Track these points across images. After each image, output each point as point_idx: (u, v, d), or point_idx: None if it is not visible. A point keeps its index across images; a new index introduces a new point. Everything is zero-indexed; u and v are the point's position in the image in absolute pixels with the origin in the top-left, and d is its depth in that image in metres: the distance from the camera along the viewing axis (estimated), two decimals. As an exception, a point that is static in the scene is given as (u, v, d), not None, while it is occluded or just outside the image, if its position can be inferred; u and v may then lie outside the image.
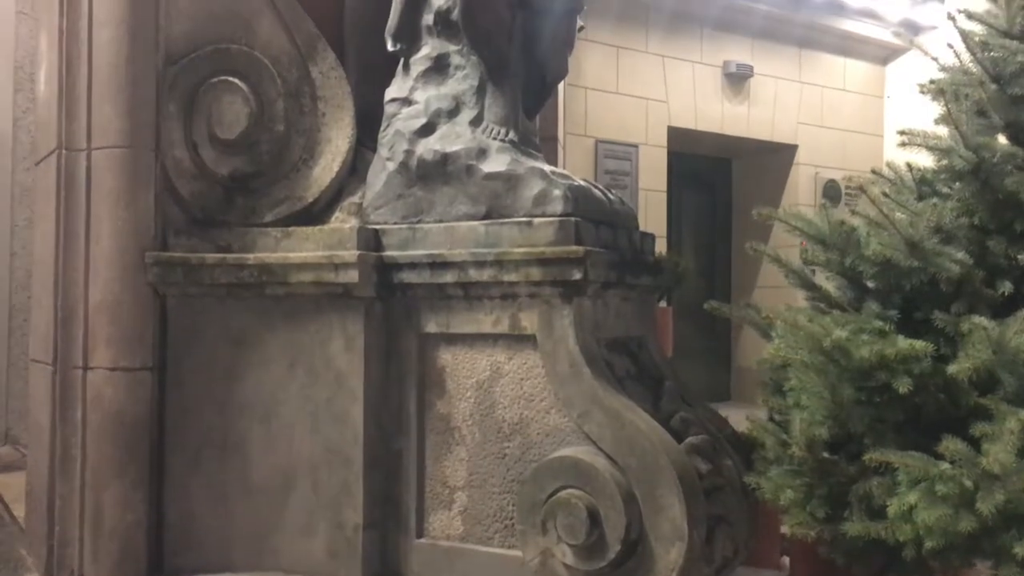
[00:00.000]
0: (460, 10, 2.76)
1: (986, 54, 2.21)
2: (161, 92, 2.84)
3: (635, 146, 7.16)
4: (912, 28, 8.03)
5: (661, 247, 7.06)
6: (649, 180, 7.22)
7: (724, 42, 7.47)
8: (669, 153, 7.35)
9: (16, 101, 4.69)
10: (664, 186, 7.33)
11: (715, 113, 7.52)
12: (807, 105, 7.92)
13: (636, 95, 7.15)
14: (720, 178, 8.39)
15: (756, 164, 8.13)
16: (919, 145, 2.27)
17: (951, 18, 2.19)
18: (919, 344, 2.00)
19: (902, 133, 2.33)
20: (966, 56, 2.34)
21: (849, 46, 8.04)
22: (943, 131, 2.32)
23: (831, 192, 7.95)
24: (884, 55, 8.19)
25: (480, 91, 2.87)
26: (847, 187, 7.87)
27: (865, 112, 8.22)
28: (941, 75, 2.31)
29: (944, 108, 2.15)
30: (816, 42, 7.88)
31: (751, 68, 7.56)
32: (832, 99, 8.06)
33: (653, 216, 7.17)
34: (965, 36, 2.20)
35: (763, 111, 7.71)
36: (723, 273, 8.27)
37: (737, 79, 7.55)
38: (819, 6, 7.61)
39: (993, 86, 2.18)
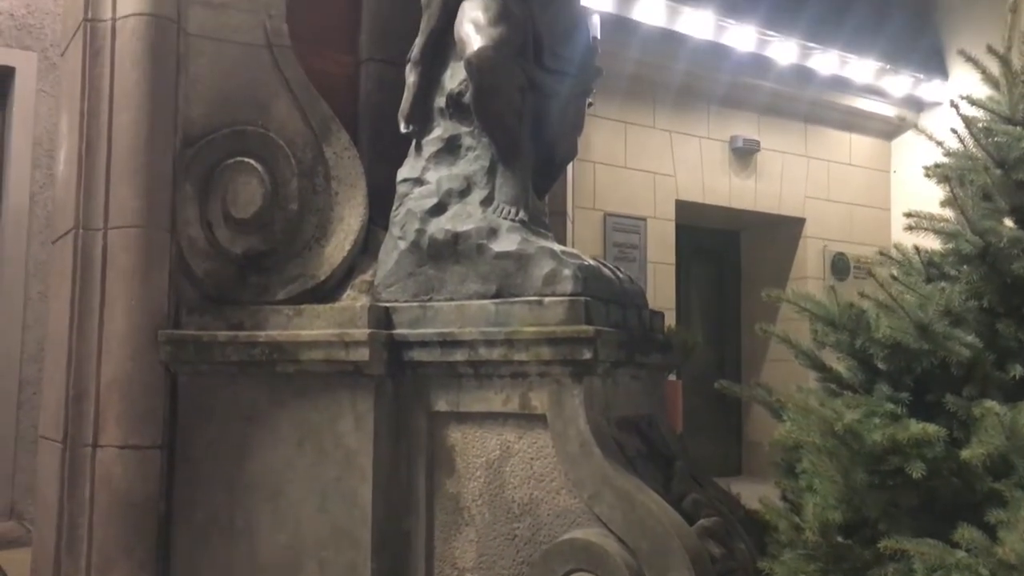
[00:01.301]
0: (472, 94, 2.82)
1: (990, 140, 2.24)
2: (178, 173, 2.90)
3: (643, 219, 7.22)
4: (916, 104, 8.16)
5: (670, 319, 7.03)
6: (658, 253, 7.27)
7: (731, 118, 7.59)
8: (677, 226, 7.41)
9: (34, 177, 4.77)
10: (673, 259, 7.37)
11: (723, 187, 7.59)
12: (814, 179, 7.99)
13: (644, 169, 7.24)
14: (728, 251, 8.43)
15: (764, 237, 8.18)
16: (926, 228, 2.29)
17: (954, 105, 2.23)
18: (932, 428, 1.99)
19: (908, 215, 2.35)
20: (970, 139, 2.37)
21: (854, 122, 8.15)
22: (949, 212, 2.35)
23: (839, 266, 7.98)
24: (889, 130, 8.30)
25: (491, 172, 2.91)
26: (856, 262, 7.91)
27: (872, 186, 8.29)
28: (945, 158, 2.34)
29: (949, 192, 2.17)
30: (822, 118, 8.00)
31: (758, 143, 7.66)
32: (839, 173, 8.14)
33: (662, 289, 7.20)
34: (968, 122, 2.24)
35: (770, 185, 7.79)
36: (732, 346, 8.25)
37: (744, 154, 7.64)
38: (824, 82, 7.73)
39: (998, 171, 2.20)
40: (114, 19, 2.84)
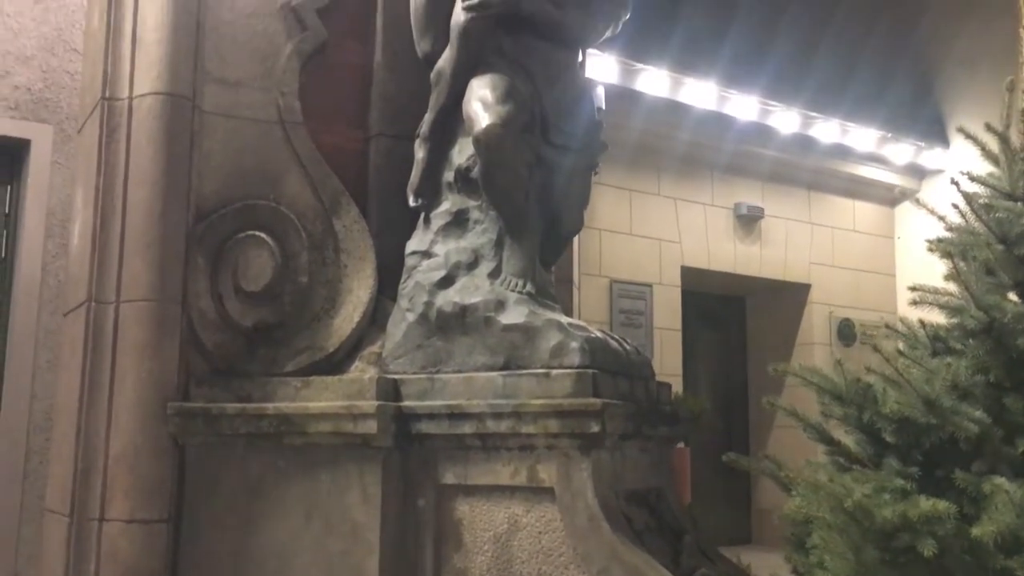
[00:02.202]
0: (480, 169, 2.87)
1: (991, 215, 2.28)
2: (190, 247, 2.94)
3: (649, 286, 7.25)
4: (918, 172, 8.25)
5: (677, 386, 7.05)
6: (664, 319, 7.28)
7: (735, 185, 7.66)
8: (683, 292, 7.43)
9: (46, 247, 4.81)
10: (679, 325, 7.38)
11: (727, 253, 7.64)
12: (818, 245, 8.04)
13: (649, 236, 7.30)
14: (734, 317, 8.44)
15: (770, 303, 8.20)
16: (930, 303, 2.31)
17: (954, 182, 2.27)
18: (942, 505, 1.98)
19: (913, 289, 2.37)
20: (971, 214, 2.40)
21: (857, 189, 8.23)
22: (953, 286, 2.37)
23: (845, 331, 7.99)
24: (892, 197, 8.37)
25: (498, 245, 2.94)
26: (862, 328, 7.91)
27: (876, 253, 8.33)
28: (948, 233, 2.37)
29: (952, 268, 2.20)
30: (825, 185, 8.08)
31: (762, 210, 7.73)
32: (843, 240, 8.19)
33: (668, 355, 7.21)
34: (969, 198, 2.27)
35: (775, 251, 7.83)
36: (740, 411, 8.22)
37: (748, 220, 7.70)
38: (826, 150, 7.83)
39: (1000, 247, 2.23)
40: (131, 98, 2.91)
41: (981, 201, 2.31)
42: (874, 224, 8.39)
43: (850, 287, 8.12)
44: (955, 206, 2.34)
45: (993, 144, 2.35)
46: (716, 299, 8.19)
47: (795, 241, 7.94)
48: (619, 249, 7.09)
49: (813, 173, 7.94)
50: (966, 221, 2.35)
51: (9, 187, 4.78)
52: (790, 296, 8.03)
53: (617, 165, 6.84)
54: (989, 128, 2.28)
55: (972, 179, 2.31)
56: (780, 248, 7.86)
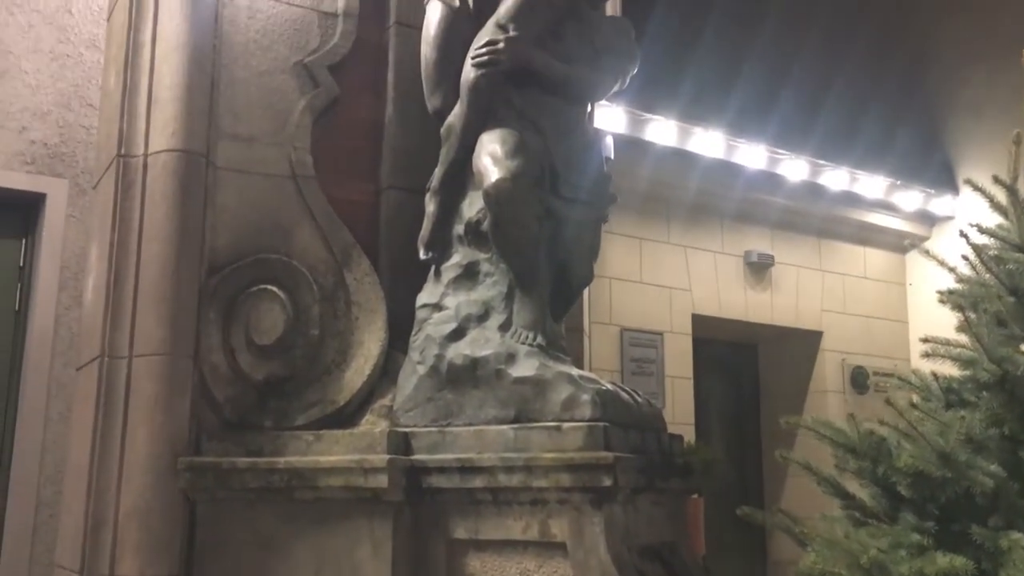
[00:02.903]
0: (490, 222, 2.89)
1: (1002, 267, 2.28)
2: (202, 301, 2.96)
3: (660, 334, 7.23)
4: (928, 219, 8.25)
5: (689, 434, 6.98)
6: (675, 367, 7.25)
7: (744, 232, 7.67)
8: (694, 340, 7.40)
9: (59, 299, 4.85)
10: (690, 373, 7.34)
11: (738, 301, 7.62)
12: (830, 293, 8.02)
13: (660, 284, 7.29)
14: (746, 364, 8.40)
15: (782, 350, 8.16)
16: (942, 355, 2.30)
17: (963, 235, 2.28)
18: (959, 561, 1.96)
19: (925, 341, 2.37)
20: (981, 265, 2.40)
21: (868, 236, 8.22)
22: (965, 337, 2.36)
23: (859, 379, 7.93)
24: (903, 244, 8.36)
25: (509, 297, 2.95)
26: (875, 375, 7.87)
27: (888, 299, 8.30)
28: (959, 284, 2.37)
29: (964, 320, 2.19)
30: (835, 232, 8.08)
31: (772, 257, 7.72)
32: (854, 287, 8.17)
33: (680, 403, 7.16)
34: (979, 250, 2.27)
35: (786, 299, 7.82)
36: (753, 460, 8.14)
37: (759, 268, 7.70)
38: (836, 198, 7.84)
39: (1011, 299, 2.23)
40: (146, 155, 2.96)
41: (991, 253, 2.31)
42: (885, 271, 8.38)
43: (862, 334, 8.08)
44: (965, 257, 2.34)
45: (1001, 196, 2.36)
46: (728, 347, 8.16)
47: (806, 288, 7.92)
48: (630, 297, 7.09)
49: (823, 220, 7.94)
50: (976, 272, 2.35)
51: (24, 240, 4.84)
52: (802, 343, 8.00)
53: (627, 214, 6.87)
54: (997, 180, 2.29)
55: (981, 231, 2.31)
56: (791, 295, 7.85)
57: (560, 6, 3.08)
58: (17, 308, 4.72)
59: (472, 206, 3.01)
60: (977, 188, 2.32)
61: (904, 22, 8.20)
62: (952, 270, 2.39)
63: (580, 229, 3.08)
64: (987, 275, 2.32)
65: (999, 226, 2.35)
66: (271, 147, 3.16)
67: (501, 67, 2.91)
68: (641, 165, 6.81)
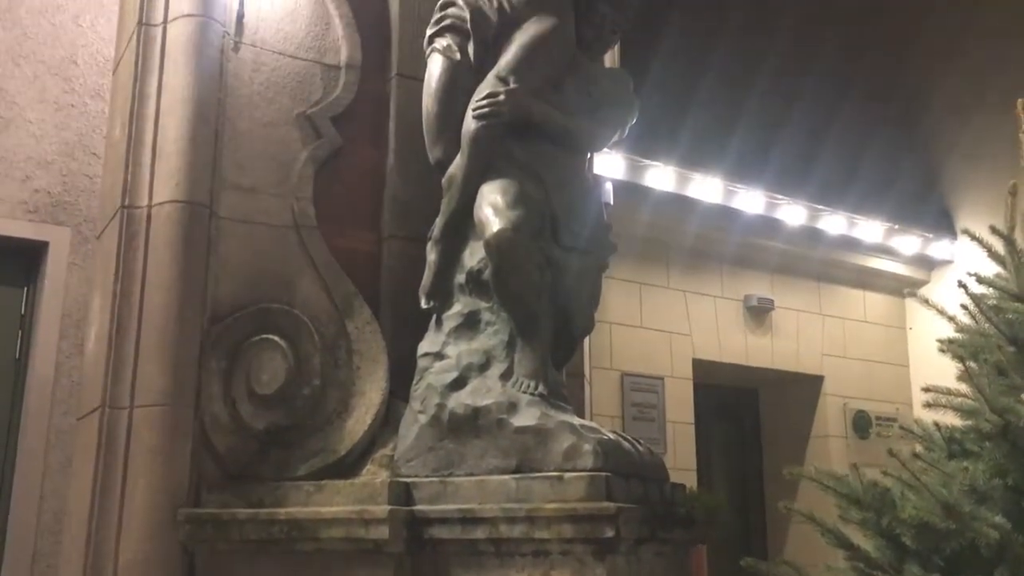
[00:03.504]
0: (491, 272, 2.90)
1: (1001, 317, 2.29)
2: (204, 350, 2.96)
3: (661, 379, 7.21)
4: (927, 263, 8.27)
5: (691, 480, 6.96)
6: (676, 412, 7.22)
7: (744, 277, 7.69)
8: (695, 385, 7.39)
9: (60, 347, 4.84)
10: (691, 418, 7.31)
11: (739, 345, 7.62)
12: (830, 337, 8.02)
13: (660, 329, 7.29)
14: (747, 409, 8.37)
15: (783, 395, 8.14)
16: (944, 406, 2.30)
17: (962, 285, 2.29)
18: (965, 614, 1.94)
19: (927, 390, 2.37)
20: (979, 312, 2.41)
21: (867, 280, 8.24)
22: (966, 386, 2.36)
23: (861, 423, 7.90)
24: (903, 287, 8.36)
25: (510, 346, 2.96)
26: (877, 419, 7.84)
27: (888, 343, 8.30)
28: (958, 334, 2.38)
29: (964, 370, 2.19)
30: (834, 276, 8.10)
31: (772, 301, 7.73)
32: (854, 331, 8.17)
33: (681, 449, 7.12)
34: (978, 300, 2.28)
35: (787, 343, 7.81)
36: (756, 505, 8.07)
37: (759, 312, 7.70)
38: (834, 242, 7.87)
39: (1011, 349, 2.24)
40: (150, 206, 2.98)
41: (990, 302, 2.32)
42: (885, 315, 8.38)
43: (863, 378, 8.07)
44: (964, 307, 2.35)
45: (999, 245, 2.37)
46: (729, 391, 8.13)
47: (806, 332, 7.92)
48: (630, 342, 7.08)
49: (822, 264, 7.97)
50: (976, 321, 2.36)
51: (26, 289, 4.85)
52: (803, 388, 7.98)
53: (626, 258, 6.89)
54: (994, 231, 2.31)
55: (980, 280, 2.33)
56: (792, 340, 7.84)
57: (560, 59, 3.13)
58: (17, 356, 4.71)
59: (473, 255, 3.03)
60: (975, 238, 2.34)
61: (900, 68, 8.29)
62: (951, 319, 2.39)
63: (581, 278, 3.10)
64: (987, 324, 2.32)
65: (997, 275, 2.37)
66: (274, 197, 3.19)
67: (502, 119, 2.95)
68: (640, 210, 6.85)
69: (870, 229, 7.96)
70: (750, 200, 7.35)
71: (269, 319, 3.09)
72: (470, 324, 3.03)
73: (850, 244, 7.96)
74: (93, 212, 4.85)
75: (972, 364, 2.23)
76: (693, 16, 6.99)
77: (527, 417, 2.80)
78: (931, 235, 8.17)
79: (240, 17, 3.21)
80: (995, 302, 2.32)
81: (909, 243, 8.13)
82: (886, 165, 7.94)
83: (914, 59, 8.23)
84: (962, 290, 2.30)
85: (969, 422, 2.29)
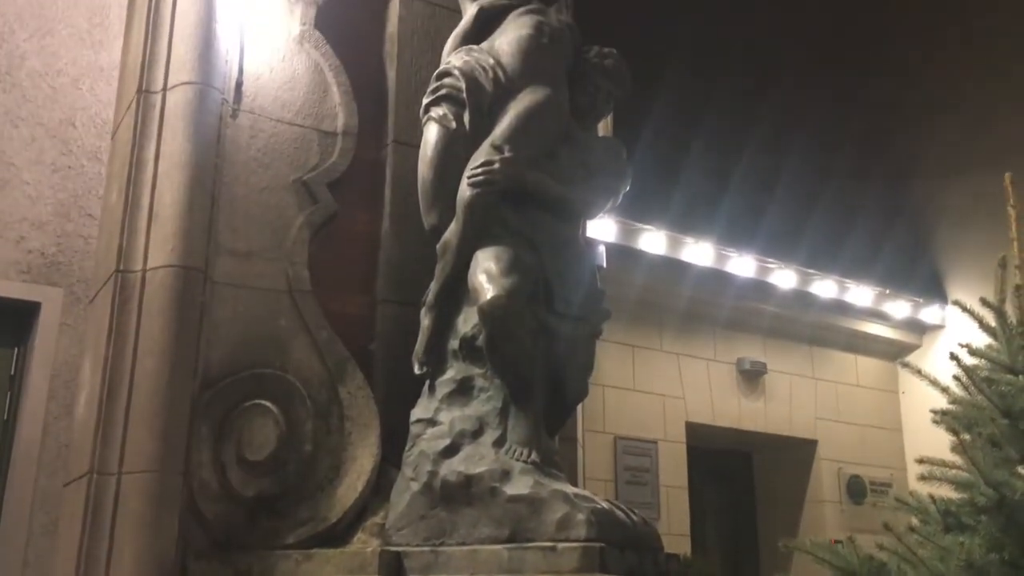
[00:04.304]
0: (485, 338, 2.90)
1: (993, 388, 2.29)
2: (195, 416, 2.94)
3: (654, 442, 7.18)
4: (918, 327, 8.30)
5: (685, 546, 6.87)
6: (670, 476, 7.17)
7: (737, 340, 7.70)
8: (688, 448, 7.35)
9: (49, 408, 4.80)
10: (685, 482, 7.26)
11: (732, 409, 7.60)
12: (823, 400, 8.01)
13: (653, 392, 7.28)
14: (741, 473, 8.32)
15: (777, 459, 8.10)
16: (939, 479, 2.29)
17: (954, 358, 2.30)
18: None
19: (921, 462, 2.36)
20: (972, 383, 2.41)
21: (859, 344, 8.26)
22: (960, 457, 2.36)
23: (855, 488, 7.85)
24: (894, 352, 8.39)
25: (503, 413, 2.95)
26: (872, 485, 7.79)
27: (881, 407, 8.29)
28: (952, 406, 2.38)
29: (958, 442, 2.19)
30: (826, 340, 8.12)
31: (765, 365, 7.74)
32: (847, 395, 8.16)
33: (675, 513, 7.06)
34: (970, 372, 2.29)
35: (780, 406, 7.80)
36: (751, 572, 7.97)
37: (752, 375, 7.70)
38: (826, 306, 7.91)
39: (1004, 421, 2.24)
40: (144, 270, 2.98)
41: (983, 374, 2.32)
42: (877, 379, 8.38)
43: (857, 442, 8.03)
44: (957, 378, 2.35)
45: (990, 317, 2.39)
46: (722, 455, 8.09)
47: (799, 396, 7.91)
48: (623, 405, 7.06)
49: (814, 328, 7.99)
50: (969, 393, 2.36)
51: (16, 349, 4.82)
52: (797, 452, 7.94)
53: (619, 321, 6.89)
54: (985, 302, 2.32)
55: (972, 352, 2.33)
56: (785, 403, 7.83)
57: (554, 128, 3.17)
58: (5, 418, 4.66)
59: (467, 321, 3.03)
60: (966, 309, 2.35)
61: (889, 134, 8.42)
62: (944, 390, 2.40)
63: (574, 344, 3.10)
64: (980, 396, 2.32)
65: (989, 346, 2.38)
66: (268, 262, 3.20)
67: (496, 186, 2.98)
68: (633, 274, 6.88)
69: (861, 293, 8.01)
70: (742, 264, 7.40)
71: (261, 384, 3.07)
72: (463, 390, 3.03)
73: (841, 308, 8.00)
74: (87, 273, 4.84)
75: (966, 436, 2.23)
76: (685, 83, 7.10)
77: (520, 486, 2.77)
78: (922, 300, 8.21)
79: (239, 85, 3.25)
80: (988, 374, 2.33)
81: (900, 308, 8.17)
82: (876, 230, 8.02)
83: (903, 124, 8.36)
84: (954, 362, 2.31)
85: (964, 495, 2.28)
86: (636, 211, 6.78)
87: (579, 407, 4.40)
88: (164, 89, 3.13)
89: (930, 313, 8.23)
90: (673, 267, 7.13)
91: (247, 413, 3.02)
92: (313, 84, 3.43)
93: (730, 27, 7.61)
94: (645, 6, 7.20)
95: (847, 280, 7.92)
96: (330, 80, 3.46)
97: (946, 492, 2.33)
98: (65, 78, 5.13)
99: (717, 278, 7.34)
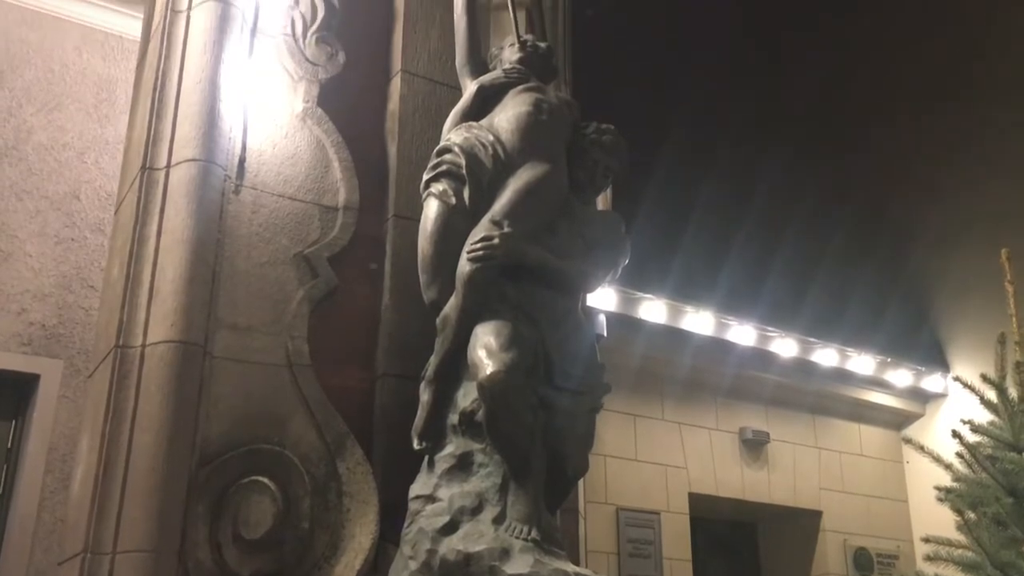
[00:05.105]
0: (484, 414, 2.89)
1: (997, 466, 2.27)
2: (191, 493, 2.90)
3: (657, 513, 7.09)
4: (921, 396, 8.26)
5: (690, 620, 6.75)
6: (673, 548, 7.06)
7: (739, 409, 7.66)
8: (692, 519, 7.25)
9: (45, 482, 4.76)
10: (688, 554, 7.15)
11: (735, 479, 7.52)
12: (827, 470, 7.93)
13: (655, 462, 7.21)
14: (745, 545, 8.19)
15: (781, 530, 7.99)
16: (945, 559, 2.26)
17: (956, 435, 2.28)
18: None
19: (927, 541, 2.33)
20: (976, 461, 2.39)
21: (862, 413, 8.22)
22: (965, 535, 2.33)
23: (862, 561, 7.73)
24: (898, 421, 8.35)
25: (503, 489, 2.92)
26: (879, 557, 7.67)
27: (886, 477, 8.20)
28: (956, 483, 2.35)
29: (963, 521, 2.16)
30: (829, 409, 8.07)
31: (767, 434, 7.68)
32: (851, 465, 8.08)
33: (679, 587, 6.94)
34: (973, 450, 2.27)
35: (783, 477, 7.72)
36: (757, 647, 7.82)
37: (754, 445, 7.64)
38: (828, 374, 7.88)
39: (1009, 500, 2.21)
40: (144, 345, 2.97)
41: (986, 451, 2.31)
42: (881, 448, 8.31)
43: (862, 513, 7.93)
44: (960, 455, 2.33)
45: (991, 393, 2.38)
46: (726, 526, 7.98)
47: (803, 466, 7.84)
48: (625, 475, 6.99)
49: (816, 397, 7.95)
50: (972, 470, 2.34)
51: (14, 422, 4.79)
52: (802, 523, 7.83)
53: (620, 390, 6.85)
54: (985, 379, 2.32)
55: (974, 429, 2.32)
56: (788, 473, 7.75)
57: (553, 203, 3.21)
58: (1, 492, 4.62)
59: (467, 396, 3.02)
60: (967, 385, 2.35)
61: (887, 203, 8.48)
62: (948, 467, 2.38)
63: (574, 418, 3.09)
64: (984, 474, 2.30)
65: (992, 423, 2.36)
66: (268, 336, 3.19)
67: (496, 261, 2.99)
68: (634, 342, 6.87)
69: (862, 362, 7.99)
70: (742, 333, 7.40)
71: (259, 460, 3.04)
72: (463, 466, 3.00)
73: (843, 377, 7.98)
74: (87, 344, 4.84)
75: (971, 515, 2.20)
76: (685, 153, 7.19)
77: (520, 564, 2.74)
78: (923, 368, 8.19)
79: (242, 161, 3.29)
80: (991, 451, 2.31)
81: (902, 376, 8.14)
82: (876, 298, 8.03)
83: (902, 194, 8.43)
84: (957, 440, 2.29)
85: (971, 576, 2.25)
86: (636, 280, 6.81)
87: (580, 479, 4.37)
88: (168, 166, 3.16)
89: (932, 382, 8.20)
90: (674, 336, 7.13)
91: (244, 490, 2.99)
92: (315, 160, 3.47)
93: (728, 100, 7.73)
94: (643, 81, 7.33)
95: (848, 348, 7.91)
96: (332, 156, 3.50)
97: (953, 573, 2.30)
98: (71, 151, 5.21)
99: (718, 347, 7.33)
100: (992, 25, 7.20)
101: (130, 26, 5.24)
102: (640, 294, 6.96)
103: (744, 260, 7.30)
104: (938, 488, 2.41)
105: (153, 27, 3.56)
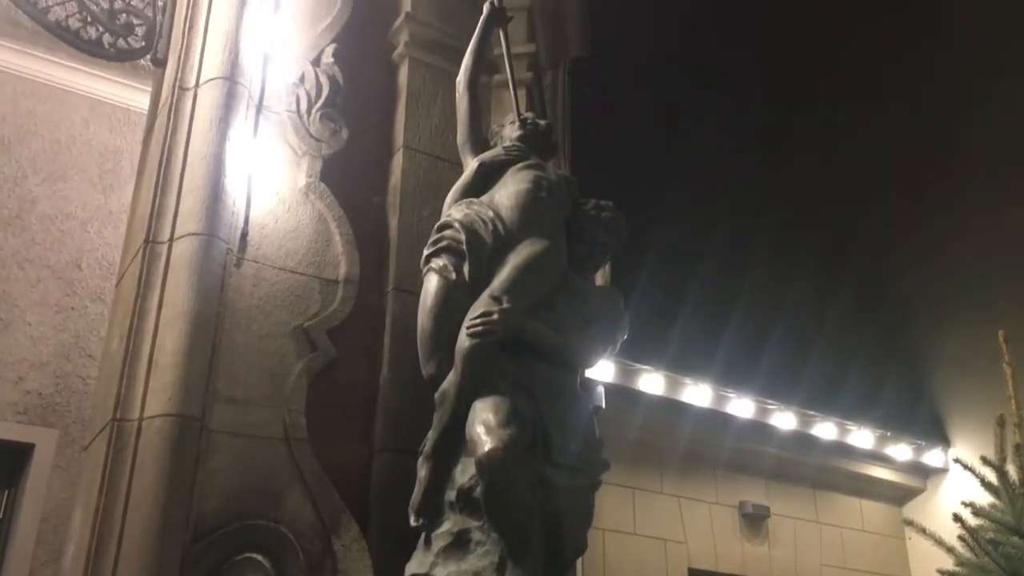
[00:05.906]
0: (482, 490, 2.87)
1: (999, 550, 2.25)
2: (184, 570, 2.86)
3: (656, 590, 6.97)
4: (922, 471, 8.20)
5: None
6: (673, 627, 6.93)
7: (738, 483, 7.59)
8: (691, 596, 7.14)
9: (36, 554, 4.70)
10: (689, 633, 7.02)
11: (735, 554, 7.41)
12: (828, 546, 7.83)
13: (654, 536, 7.12)
14: (747, 623, 8.04)
15: (783, 608, 7.85)
16: (950, 649, 2.22)
17: (957, 519, 2.27)
18: None
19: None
20: (978, 545, 2.37)
21: (862, 487, 8.15)
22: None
23: (866, 640, 7.58)
24: (899, 496, 8.27)
25: (500, 568, 2.88)
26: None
27: (887, 553, 8.09)
28: (958, 568, 2.33)
29: (968, 608, 2.14)
30: (829, 483, 8.01)
31: (767, 508, 7.60)
32: (852, 540, 7.98)
33: (679, 667, 6.79)
34: (974, 534, 2.25)
35: (784, 552, 7.61)
36: None
37: (755, 519, 7.55)
38: (827, 448, 7.84)
39: (1013, 586, 2.19)
40: (141, 419, 2.96)
41: (988, 535, 2.29)
42: (883, 523, 8.21)
43: (865, 590, 7.81)
44: (962, 538, 2.31)
45: (991, 475, 2.37)
46: (727, 603, 7.83)
47: (804, 541, 7.73)
48: (623, 550, 6.89)
49: (816, 471, 7.89)
50: (974, 554, 2.32)
51: (7, 492, 4.74)
52: (804, 600, 7.70)
53: (619, 463, 6.72)
54: (985, 461, 2.31)
55: (975, 512, 2.30)
56: (789, 548, 7.64)
57: (552, 279, 3.23)
58: (-10, 564, 4.55)
59: (464, 472, 3.00)
60: (967, 467, 2.34)
61: (885, 277, 8.53)
62: (950, 550, 2.35)
63: (573, 496, 3.06)
64: (985, 558, 2.28)
65: (992, 506, 2.35)
66: (266, 409, 3.18)
67: (495, 337, 3.00)
68: (632, 414, 6.84)
69: (862, 436, 7.96)
70: (741, 406, 7.38)
71: (253, 536, 3.00)
72: (460, 544, 2.97)
73: (843, 451, 7.93)
74: (83, 414, 4.82)
75: (975, 603, 2.17)
76: (683, 227, 7.26)
77: (517, 646, 2.69)
78: (923, 443, 8.15)
79: (244, 235, 3.32)
80: (992, 535, 2.29)
81: (902, 451, 8.10)
82: (874, 372, 8.03)
83: (899, 268, 8.48)
84: (958, 524, 2.27)
85: (979, 665, 2.21)
86: (634, 352, 6.81)
87: (578, 562, 4.30)
88: (171, 239, 3.19)
89: (933, 456, 8.15)
90: (672, 408, 7.10)
91: (238, 567, 2.95)
92: (316, 234, 3.51)
93: (724, 175, 7.84)
94: (641, 158, 7.44)
95: (848, 422, 7.88)
96: (333, 230, 3.53)
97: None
98: (74, 221, 5.25)
99: (717, 419, 7.30)
100: (989, 102, 7.33)
101: (137, 98, 5.34)
102: (639, 365, 6.95)
103: (742, 332, 7.32)
104: (941, 572, 2.38)
105: (160, 102, 3.62)
